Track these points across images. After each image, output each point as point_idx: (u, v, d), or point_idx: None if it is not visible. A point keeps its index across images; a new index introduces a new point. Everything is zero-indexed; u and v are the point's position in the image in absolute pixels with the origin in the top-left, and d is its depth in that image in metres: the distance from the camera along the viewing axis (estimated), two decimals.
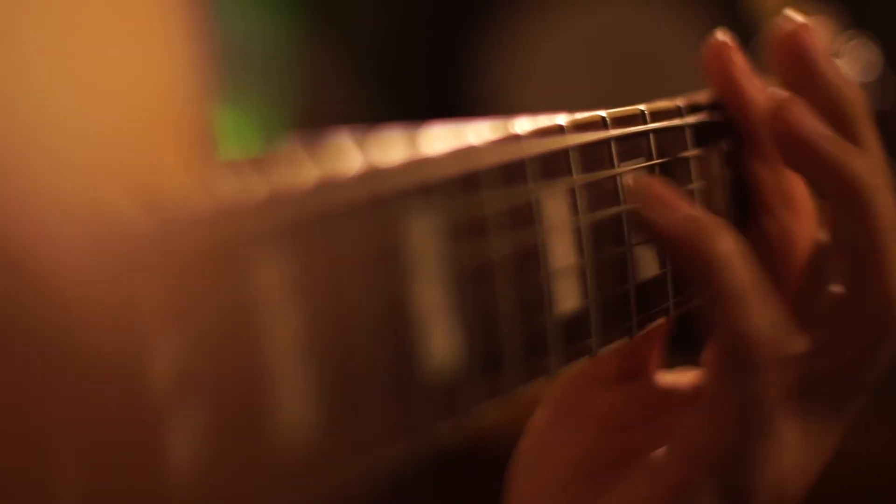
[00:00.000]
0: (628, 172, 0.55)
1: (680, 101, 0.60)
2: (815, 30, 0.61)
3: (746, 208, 0.64)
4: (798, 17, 0.62)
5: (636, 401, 0.64)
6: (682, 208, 0.56)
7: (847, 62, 0.80)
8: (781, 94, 0.60)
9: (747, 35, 0.68)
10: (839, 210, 0.59)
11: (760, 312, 0.55)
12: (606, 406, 0.63)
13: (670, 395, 0.64)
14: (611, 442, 0.62)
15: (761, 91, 0.62)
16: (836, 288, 0.60)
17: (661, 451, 0.58)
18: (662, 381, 0.65)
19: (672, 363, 0.66)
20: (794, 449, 0.58)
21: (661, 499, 0.57)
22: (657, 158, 0.57)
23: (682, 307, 0.59)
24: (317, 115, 2.14)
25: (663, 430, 0.61)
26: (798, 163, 0.60)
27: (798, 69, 0.61)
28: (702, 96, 0.63)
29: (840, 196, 0.59)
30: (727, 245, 0.55)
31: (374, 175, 0.42)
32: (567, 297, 0.50)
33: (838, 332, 0.59)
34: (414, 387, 0.42)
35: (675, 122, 0.60)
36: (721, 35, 0.63)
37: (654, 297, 0.57)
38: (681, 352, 0.69)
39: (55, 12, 0.35)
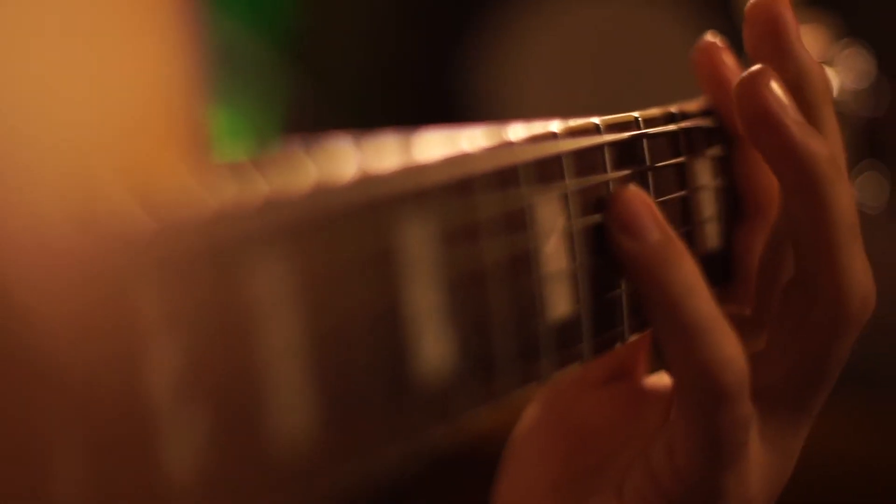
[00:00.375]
0: (621, 179, 0.56)
1: (674, 108, 0.61)
2: (788, 5, 0.60)
3: (739, 214, 0.64)
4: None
5: (623, 402, 0.63)
6: (649, 234, 0.54)
7: (841, 70, 0.81)
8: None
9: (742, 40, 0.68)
10: (794, 198, 0.57)
11: (726, 342, 0.54)
12: (594, 407, 0.63)
13: (656, 396, 0.64)
14: (598, 442, 0.62)
15: None
16: (790, 285, 0.58)
17: (631, 472, 0.58)
18: (648, 383, 0.64)
19: (659, 365, 0.66)
20: (761, 465, 0.58)
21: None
22: (650, 165, 0.58)
23: None
24: (311, 119, 2.14)
25: (649, 430, 0.61)
26: (759, 138, 0.58)
27: (768, 41, 0.59)
28: (696, 103, 0.63)
29: (796, 180, 0.57)
30: (692, 273, 0.54)
31: (368, 180, 0.42)
32: (559, 303, 0.51)
33: (794, 330, 0.58)
34: (408, 391, 0.42)
35: (669, 128, 0.60)
36: (710, 36, 0.63)
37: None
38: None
39: (48, 15, 0.36)
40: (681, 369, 0.55)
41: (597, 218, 0.54)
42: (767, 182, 0.63)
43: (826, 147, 0.58)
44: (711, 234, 0.62)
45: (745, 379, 0.55)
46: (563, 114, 0.55)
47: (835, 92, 0.78)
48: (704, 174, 0.62)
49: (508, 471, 0.64)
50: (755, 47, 0.60)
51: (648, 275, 0.53)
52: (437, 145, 0.46)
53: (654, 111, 0.59)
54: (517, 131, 0.50)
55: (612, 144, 0.55)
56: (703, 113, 0.63)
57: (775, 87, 0.57)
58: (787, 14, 0.60)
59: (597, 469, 0.61)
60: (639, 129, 0.57)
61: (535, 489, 0.62)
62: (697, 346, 0.53)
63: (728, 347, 0.54)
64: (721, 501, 0.56)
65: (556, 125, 0.52)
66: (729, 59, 0.62)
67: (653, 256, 0.54)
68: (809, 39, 0.79)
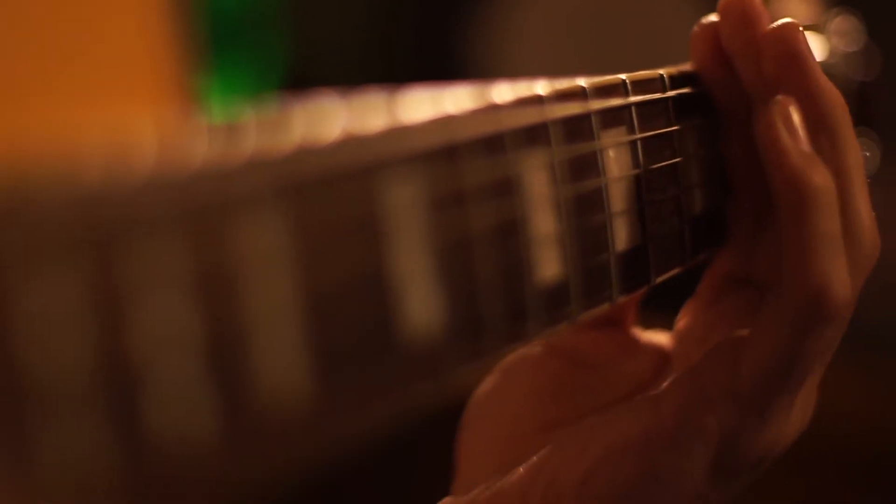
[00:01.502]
0: (609, 145, 0.56)
1: (663, 71, 0.60)
2: (803, 31, 0.61)
3: (727, 183, 0.64)
4: (787, 19, 0.61)
5: (606, 345, 0.64)
6: (801, 142, 0.57)
7: (832, 36, 0.81)
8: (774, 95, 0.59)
9: None
10: (780, 210, 0.58)
11: (843, 266, 0.56)
12: (585, 344, 0.64)
13: (647, 348, 0.64)
14: (589, 373, 0.63)
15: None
16: None
17: (664, 388, 0.58)
18: (640, 335, 0.65)
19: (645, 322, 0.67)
20: (795, 411, 0.59)
21: (657, 437, 0.57)
22: (638, 128, 0.58)
23: (664, 275, 0.59)
24: (304, 76, 2.14)
25: (630, 374, 0.62)
26: (767, 161, 0.59)
27: (787, 70, 0.60)
28: (686, 67, 0.63)
29: (783, 197, 0.58)
30: (832, 191, 0.56)
31: (354, 142, 0.42)
32: (547, 265, 0.51)
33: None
34: (396, 350, 0.42)
35: (657, 95, 0.60)
36: (715, 17, 0.63)
37: (636, 266, 0.57)
38: (653, 311, 0.70)
39: None
40: (796, 281, 0.56)
41: (586, 182, 0.54)
42: (751, 155, 0.63)
43: (823, 175, 0.58)
44: (700, 199, 0.62)
45: (849, 308, 0.56)
46: (557, 73, 0.55)
47: (825, 55, 0.78)
48: (691, 142, 0.61)
49: (496, 381, 0.64)
50: (730, 39, 0.61)
51: (800, 176, 0.55)
52: (422, 106, 0.45)
53: (642, 74, 0.59)
54: (503, 92, 0.50)
55: (600, 110, 0.55)
56: (693, 79, 0.63)
57: (787, 117, 0.59)
58: (804, 43, 0.61)
59: (585, 392, 0.62)
60: (626, 92, 0.57)
61: (521, 396, 0.63)
62: (822, 259, 0.55)
63: (844, 271, 0.56)
64: (768, 425, 0.57)
65: (542, 87, 0.52)
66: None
67: (804, 157, 0.56)
68: (802, 7, 0.79)
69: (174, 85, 0.38)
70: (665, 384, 0.59)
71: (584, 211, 0.53)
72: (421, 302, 0.44)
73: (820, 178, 0.56)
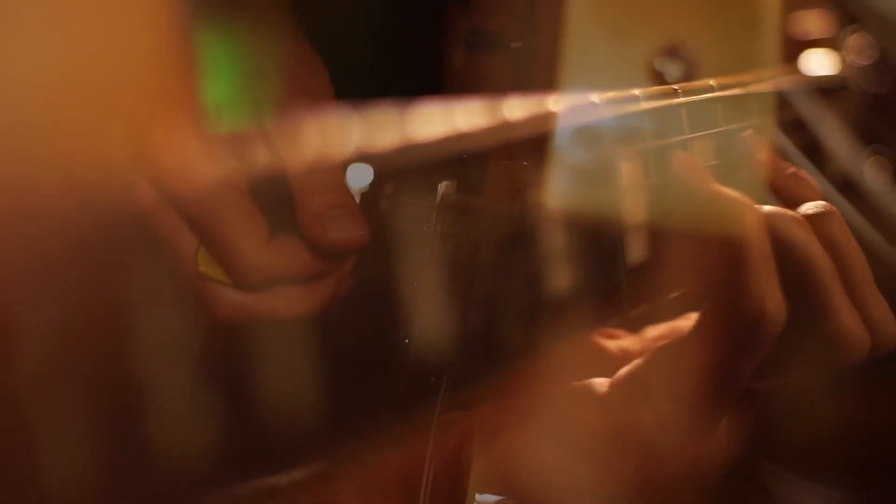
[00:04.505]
0: (622, 156, 0.56)
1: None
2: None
3: None
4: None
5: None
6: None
7: (846, 51, 0.81)
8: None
9: None
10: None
11: (775, 292, 0.56)
12: None
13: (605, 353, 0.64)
14: None
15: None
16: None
17: (612, 383, 0.58)
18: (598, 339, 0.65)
19: None
20: (722, 431, 0.58)
21: (599, 431, 0.57)
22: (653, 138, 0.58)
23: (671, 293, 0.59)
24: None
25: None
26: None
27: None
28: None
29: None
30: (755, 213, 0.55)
31: (364, 158, 0.42)
32: (560, 279, 0.51)
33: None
34: (407, 361, 0.43)
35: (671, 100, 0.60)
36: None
37: (644, 282, 0.57)
38: None
39: None
40: (733, 299, 0.55)
41: (597, 198, 0.54)
42: None
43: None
44: None
45: (776, 335, 0.56)
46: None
47: (839, 69, 0.78)
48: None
49: None
50: None
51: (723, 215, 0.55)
52: (433, 121, 0.46)
53: (660, 88, 0.59)
54: (514, 110, 0.50)
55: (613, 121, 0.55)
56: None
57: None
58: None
59: None
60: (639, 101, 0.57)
61: None
62: (756, 290, 0.55)
63: (776, 299, 0.55)
64: (695, 437, 0.56)
65: (554, 104, 0.52)
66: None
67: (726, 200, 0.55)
68: (818, 23, 0.80)
69: (184, 96, 0.39)
70: (614, 379, 0.58)
71: (597, 224, 0.54)
72: (431, 314, 0.44)
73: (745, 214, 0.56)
